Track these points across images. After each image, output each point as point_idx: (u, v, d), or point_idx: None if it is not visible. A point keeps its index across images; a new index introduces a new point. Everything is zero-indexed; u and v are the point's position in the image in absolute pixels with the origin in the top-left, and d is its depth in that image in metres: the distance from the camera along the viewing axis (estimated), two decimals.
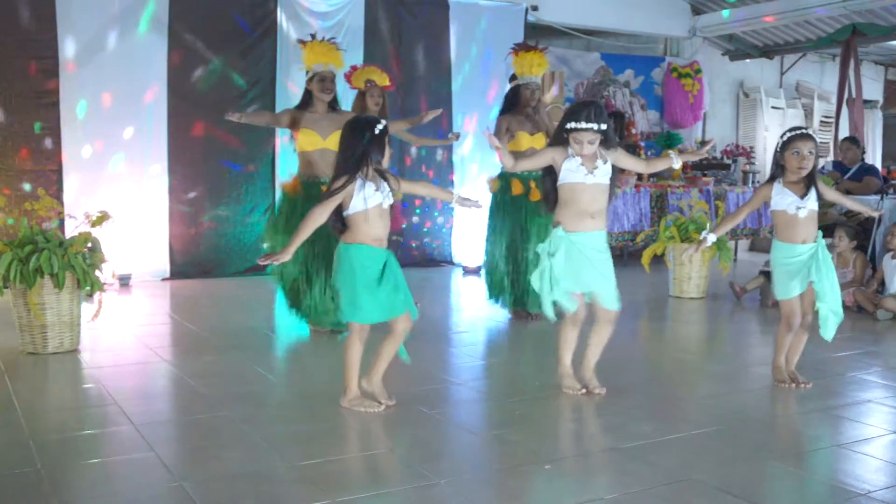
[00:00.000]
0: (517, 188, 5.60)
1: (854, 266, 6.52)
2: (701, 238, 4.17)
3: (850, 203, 4.40)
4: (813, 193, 3.98)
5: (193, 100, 7.41)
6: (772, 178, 4.07)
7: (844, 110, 9.86)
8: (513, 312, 5.88)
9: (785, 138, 4.00)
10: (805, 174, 3.96)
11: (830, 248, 6.56)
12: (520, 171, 4.84)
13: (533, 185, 5.53)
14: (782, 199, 3.99)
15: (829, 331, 4.03)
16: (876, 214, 4.63)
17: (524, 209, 5.59)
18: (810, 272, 3.98)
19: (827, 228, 6.18)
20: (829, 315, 4.00)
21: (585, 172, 3.75)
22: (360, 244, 3.46)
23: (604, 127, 3.68)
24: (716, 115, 11.62)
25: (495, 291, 5.86)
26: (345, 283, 3.48)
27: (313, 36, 5.29)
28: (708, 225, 4.90)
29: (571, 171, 3.76)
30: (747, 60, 11.61)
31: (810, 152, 3.93)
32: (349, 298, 3.48)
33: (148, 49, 7.20)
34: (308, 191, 5.06)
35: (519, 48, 5.81)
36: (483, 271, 6.05)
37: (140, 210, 7.26)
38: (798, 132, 3.99)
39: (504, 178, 5.67)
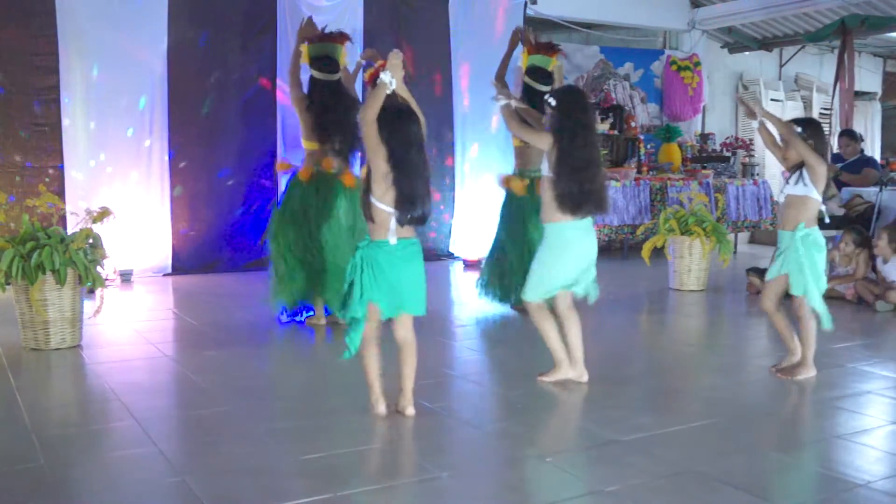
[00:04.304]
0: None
1: (856, 263, 6.49)
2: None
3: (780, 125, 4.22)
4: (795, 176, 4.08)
5: (195, 95, 7.40)
6: None
7: None
8: (517, 307, 5.86)
9: None
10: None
11: (831, 244, 6.55)
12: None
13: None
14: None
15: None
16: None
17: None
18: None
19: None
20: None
21: None
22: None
23: None
24: (715, 107, 11.61)
25: (497, 286, 5.74)
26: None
27: (322, 30, 5.33)
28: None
29: None
30: (746, 53, 11.59)
31: None
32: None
33: (148, 40, 7.18)
34: (319, 179, 5.09)
35: (539, 49, 5.79)
36: (487, 265, 5.87)
37: (141, 205, 7.25)
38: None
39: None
